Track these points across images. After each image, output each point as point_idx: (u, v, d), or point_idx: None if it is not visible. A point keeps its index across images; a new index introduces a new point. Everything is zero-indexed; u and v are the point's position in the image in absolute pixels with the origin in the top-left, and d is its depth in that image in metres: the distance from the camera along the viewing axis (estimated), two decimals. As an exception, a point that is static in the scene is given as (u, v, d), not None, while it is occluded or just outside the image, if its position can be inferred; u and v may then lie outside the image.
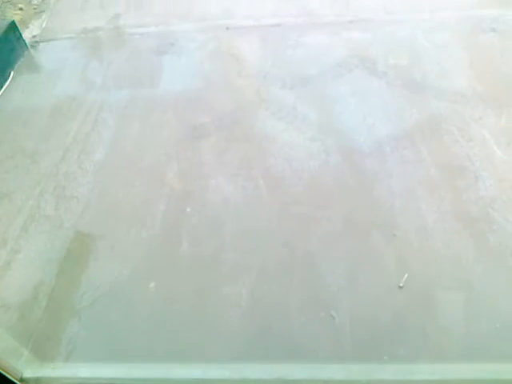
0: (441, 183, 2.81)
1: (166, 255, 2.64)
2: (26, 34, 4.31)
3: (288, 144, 3.13)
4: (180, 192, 2.95)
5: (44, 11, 4.65)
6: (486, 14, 3.99)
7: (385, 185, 2.84)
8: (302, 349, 2.22)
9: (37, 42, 4.29)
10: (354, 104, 3.36)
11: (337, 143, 3.10)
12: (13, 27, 4.01)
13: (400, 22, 4.01)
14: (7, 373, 1.32)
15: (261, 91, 3.53)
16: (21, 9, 4.63)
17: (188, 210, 2.84)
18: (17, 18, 4.30)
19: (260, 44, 3.97)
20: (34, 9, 4.67)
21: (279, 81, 3.59)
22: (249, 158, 3.09)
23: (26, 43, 4.17)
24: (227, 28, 4.17)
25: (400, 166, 2.93)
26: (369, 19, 4.07)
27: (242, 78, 3.68)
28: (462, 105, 3.25)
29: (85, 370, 2.02)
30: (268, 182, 2.94)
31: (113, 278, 2.55)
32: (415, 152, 2.99)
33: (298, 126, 3.23)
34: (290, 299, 2.40)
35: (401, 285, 2.38)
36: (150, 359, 2.19)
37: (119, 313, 2.43)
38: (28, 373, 1.53)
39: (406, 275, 2.41)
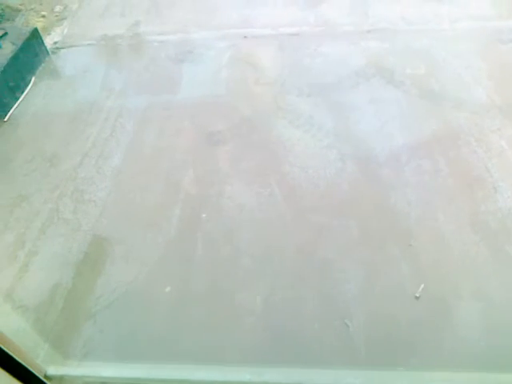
0: (458, 194, 2.79)
1: (181, 260, 2.66)
2: (48, 41, 4.40)
3: (304, 152, 3.14)
4: (196, 198, 2.97)
5: (66, 18, 4.74)
6: (505, 25, 3.98)
7: (401, 194, 2.83)
8: (316, 356, 2.21)
9: (58, 48, 4.37)
10: (371, 113, 3.36)
11: (353, 152, 3.10)
12: (35, 34, 4.09)
13: (418, 31, 4.01)
14: (33, 369, 1.34)
15: (278, 99, 3.55)
16: (43, 16, 4.72)
17: (203, 215, 2.85)
18: (39, 25, 4.39)
19: (278, 52, 4.00)
20: (56, 16, 4.76)
21: (296, 89, 3.61)
22: (265, 165, 3.10)
23: (47, 49, 4.26)
24: (245, 36, 4.20)
25: (417, 175, 2.92)
26: (387, 29, 4.08)
27: (260, 85, 3.70)
28: (480, 115, 3.24)
29: (107, 370, 2.04)
30: (284, 189, 2.95)
31: (129, 282, 2.57)
32: (432, 162, 2.98)
33: (315, 134, 3.23)
34: (304, 306, 2.39)
35: (417, 295, 2.36)
36: (165, 362, 2.19)
37: (135, 316, 2.44)
38: (52, 370, 1.55)
39: (422, 286, 2.39)
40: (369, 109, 3.39)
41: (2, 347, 1.20)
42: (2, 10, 4.52)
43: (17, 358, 1.26)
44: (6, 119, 3.64)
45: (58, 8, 4.84)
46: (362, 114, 3.36)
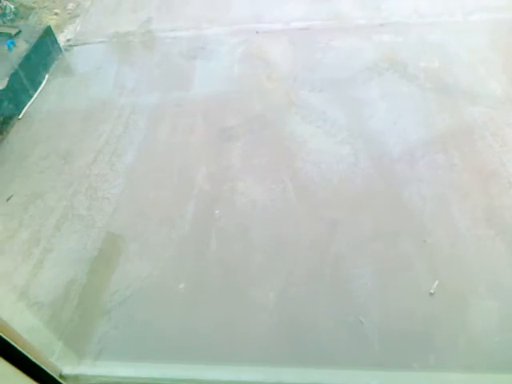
0: (473, 189, 2.76)
1: (195, 256, 2.66)
2: (61, 38, 4.43)
3: (317, 147, 3.12)
4: (209, 194, 2.97)
5: (78, 16, 4.76)
6: (520, 16, 3.91)
7: (415, 190, 2.80)
8: (330, 354, 2.21)
9: (71, 45, 4.40)
10: (385, 108, 3.33)
11: (366, 147, 3.08)
12: (48, 32, 4.13)
13: (432, 24, 3.97)
14: (48, 368, 1.34)
15: (290, 94, 3.53)
16: (56, 14, 4.75)
17: (217, 211, 2.86)
18: (52, 23, 4.42)
19: (290, 47, 3.98)
20: (69, 14, 4.78)
21: (309, 84, 3.59)
22: (277, 161, 3.09)
23: (60, 47, 4.29)
24: (257, 32, 4.19)
25: (431, 170, 2.89)
26: (400, 22, 4.04)
27: (272, 81, 3.69)
28: (495, 109, 3.19)
29: (122, 370, 2.05)
30: (296, 185, 2.94)
31: (143, 278, 2.58)
32: (447, 157, 2.95)
33: (327, 130, 3.22)
34: (317, 302, 2.39)
35: (431, 291, 2.34)
36: (181, 360, 2.20)
37: (149, 312, 2.46)
38: (67, 370, 1.55)
39: (437, 282, 2.37)
40: (382, 103, 3.36)
41: (18, 347, 1.20)
42: (16, 8, 4.55)
43: (32, 358, 1.27)
44: (20, 117, 3.68)
45: (70, 5, 4.87)
46: (375, 108, 3.33)
